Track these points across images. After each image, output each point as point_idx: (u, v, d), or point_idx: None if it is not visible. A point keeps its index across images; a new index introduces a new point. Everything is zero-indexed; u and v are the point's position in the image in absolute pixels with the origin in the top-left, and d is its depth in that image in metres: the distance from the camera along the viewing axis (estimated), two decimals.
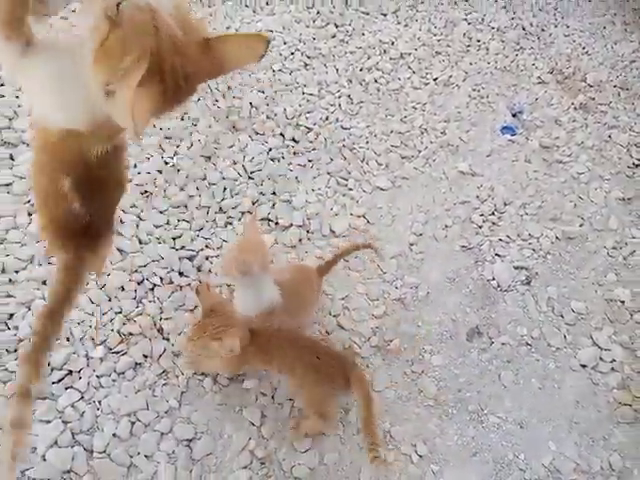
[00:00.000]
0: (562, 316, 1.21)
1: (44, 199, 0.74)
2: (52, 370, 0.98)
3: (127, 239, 1.14)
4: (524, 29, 1.91)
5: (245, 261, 0.86)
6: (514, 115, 1.60)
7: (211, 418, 0.98)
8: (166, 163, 1.28)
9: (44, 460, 0.89)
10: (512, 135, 1.54)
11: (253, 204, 1.26)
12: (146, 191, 1.23)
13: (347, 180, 1.36)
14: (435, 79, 1.64)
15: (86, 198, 0.71)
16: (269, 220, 1.24)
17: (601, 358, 1.17)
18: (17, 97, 1.32)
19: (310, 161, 1.38)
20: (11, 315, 1.02)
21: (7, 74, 1.20)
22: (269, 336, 0.90)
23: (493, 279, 1.24)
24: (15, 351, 0.98)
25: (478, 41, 1.81)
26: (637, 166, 1.54)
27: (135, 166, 1.25)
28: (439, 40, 1.76)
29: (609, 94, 1.75)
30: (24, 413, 0.68)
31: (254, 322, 0.91)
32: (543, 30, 1.93)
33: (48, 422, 0.92)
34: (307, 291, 1.00)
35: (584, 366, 1.16)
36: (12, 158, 1.21)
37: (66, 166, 0.69)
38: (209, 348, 0.86)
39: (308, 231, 1.25)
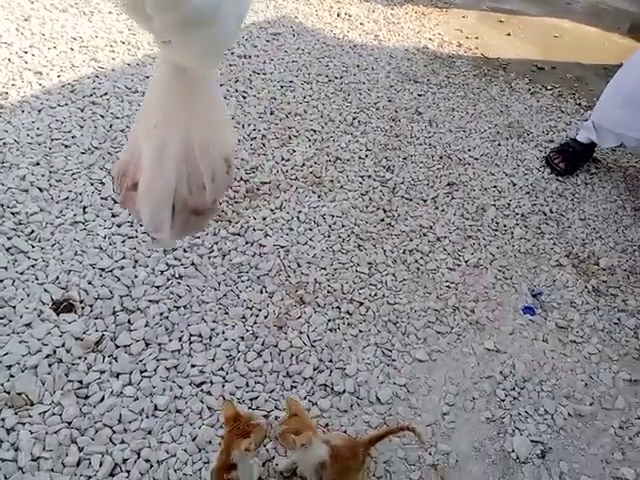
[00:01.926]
0: None
1: None
2: None
3: (215, 398, 1.44)
4: (545, 214, 2.25)
5: (304, 437, 1.13)
6: (534, 296, 1.89)
7: None
8: (247, 331, 1.61)
9: None
10: (532, 315, 1.82)
11: (314, 370, 1.55)
12: (231, 355, 1.54)
13: (391, 351, 1.64)
14: (466, 261, 1.97)
15: None
16: (326, 386, 1.53)
17: None
18: (134, 267, 1.72)
19: (361, 332, 1.69)
20: (125, 460, 1.30)
21: None
22: None
23: (513, 451, 1.45)
24: None
25: (504, 226, 2.15)
26: None
27: (223, 332, 1.59)
28: (471, 225, 2.12)
29: (619, 278, 2.02)
30: None
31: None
32: (562, 215, 2.27)
33: None
34: (352, 459, 1.24)
35: None
36: (130, 322, 1.57)
37: None
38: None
39: (358, 397, 1.51)
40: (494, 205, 2.23)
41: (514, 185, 2.37)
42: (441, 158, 2.43)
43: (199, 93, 0.48)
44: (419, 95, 2.82)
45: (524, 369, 1.65)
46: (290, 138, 2.34)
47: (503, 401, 1.57)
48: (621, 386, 1.66)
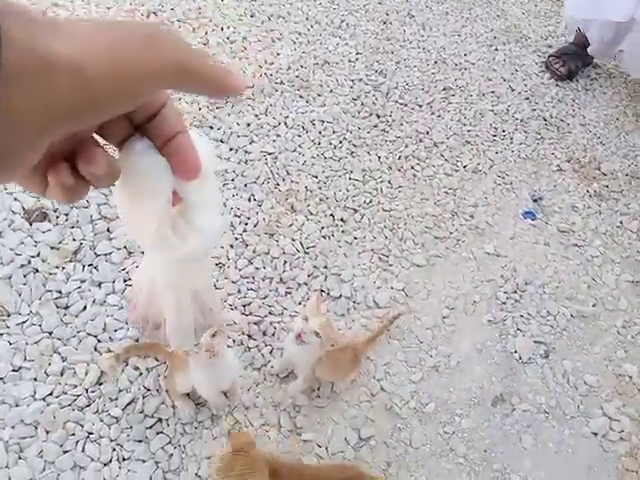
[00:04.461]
0: (576, 387, 1.38)
1: None
2: (145, 417, 1.18)
3: None
4: (545, 120, 2.14)
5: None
6: (535, 201, 1.81)
7: None
8: (236, 239, 1.51)
9: None
10: (533, 220, 1.75)
11: (309, 276, 1.48)
12: (220, 263, 1.45)
13: (388, 257, 1.57)
14: (465, 166, 1.87)
15: None
16: (322, 291, 1.45)
17: (611, 428, 1.33)
18: None
19: (356, 239, 1.60)
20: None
21: None
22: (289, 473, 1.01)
23: (515, 352, 1.42)
24: (116, 399, 1.19)
25: (503, 131, 2.04)
26: None
27: None
28: (469, 130, 2.00)
29: (621, 182, 1.95)
30: None
31: (277, 462, 1.00)
32: (562, 120, 2.16)
33: (144, 462, 1.12)
34: (346, 358, 1.19)
35: (595, 434, 1.32)
36: (109, 231, 1.46)
37: None
38: None
39: (355, 302, 1.45)
40: (492, 110, 2.11)
41: (512, 90, 2.24)
42: (436, 63, 2.27)
43: (200, 270, 0.58)
44: None
45: (525, 272, 1.60)
46: (273, 41, 2.15)
47: (504, 304, 1.52)
48: (624, 287, 1.62)
